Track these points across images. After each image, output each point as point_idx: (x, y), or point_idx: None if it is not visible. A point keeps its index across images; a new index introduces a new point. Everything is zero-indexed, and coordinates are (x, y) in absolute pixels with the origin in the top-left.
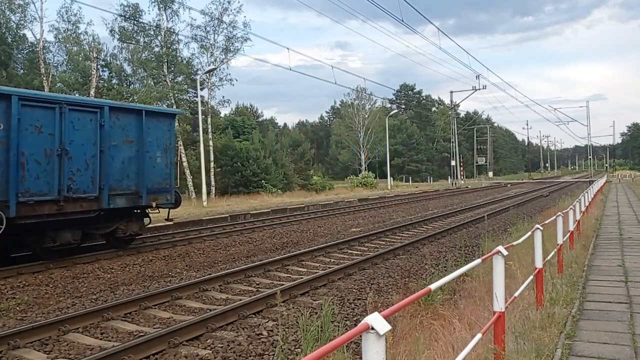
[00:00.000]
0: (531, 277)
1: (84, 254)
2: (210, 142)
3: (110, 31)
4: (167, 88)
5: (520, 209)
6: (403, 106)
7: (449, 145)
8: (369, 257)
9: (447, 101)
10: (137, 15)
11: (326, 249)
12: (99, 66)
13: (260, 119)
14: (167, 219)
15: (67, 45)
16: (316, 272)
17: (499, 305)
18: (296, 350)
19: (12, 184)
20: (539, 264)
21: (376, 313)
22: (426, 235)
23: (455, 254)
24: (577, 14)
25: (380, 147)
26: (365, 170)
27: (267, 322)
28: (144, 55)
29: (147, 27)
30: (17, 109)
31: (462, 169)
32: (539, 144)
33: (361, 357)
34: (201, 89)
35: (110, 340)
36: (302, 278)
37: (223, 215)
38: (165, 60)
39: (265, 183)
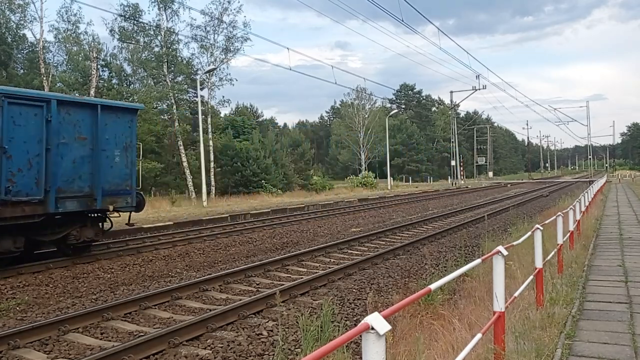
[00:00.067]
0: (531, 277)
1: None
2: (210, 142)
3: (110, 31)
4: (167, 88)
5: (520, 209)
6: (403, 106)
7: (449, 145)
8: (369, 257)
9: (447, 101)
10: (137, 15)
11: (326, 249)
12: (99, 66)
13: (260, 119)
14: (128, 224)
15: (67, 45)
16: (316, 272)
17: (499, 305)
18: (296, 350)
19: None
20: (539, 264)
21: (376, 313)
22: (426, 235)
23: (455, 254)
24: (577, 14)
25: (380, 147)
26: (365, 170)
27: (267, 322)
28: (144, 55)
29: (147, 27)
30: None
31: (462, 169)
32: (539, 144)
33: (361, 357)
34: (201, 89)
35: (110, 340)
36: (302, 278)
37: (223, 215)
38: (165, 60)
39: (265, 183)
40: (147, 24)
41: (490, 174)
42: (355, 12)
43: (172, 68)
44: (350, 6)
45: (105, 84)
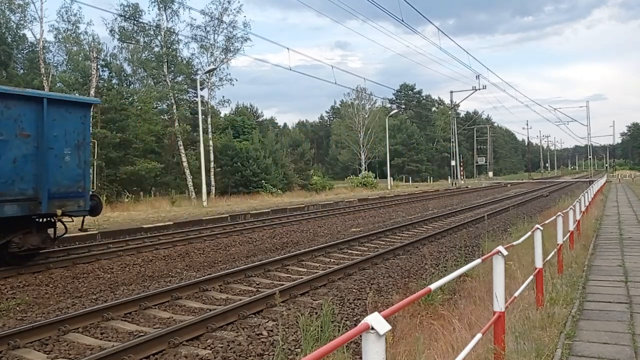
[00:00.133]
0: (531, 277)
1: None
2: (210, 142)
3: (110, 31)
4: (167, 88)
5: (520, 209)
6: (403, 106)
7: (449, 145)
8: (369, 257)
9: (447, 101)
10: (137, 15)
11: (326, 249)
12: (99, 66)
13: (260, 119)
14: (81, 229)
15: (67, 45)
16: (316, 272)
17: (499, 305)
18: (296, 350)
19: None
20: (539, 264)
21: (376, 313)
22: (426, 235)
23: (455, 254)
24: (577, 14)
25: (380, 147)
26: (365, 170)
27: (267, 322)
28: (144, 55)
29: (147, 27)
30: None
31: (462, 169)
32: (539, 144)
33: (361, 357)
34: (201, 89)
35: (110, 340)
36: (302, 278)
37: (223, 215)
38: (165, 60)
39: (265, 183)
40: (147, 24)
41: (490, 174)
42: (355, 12)
43: (172, 68)
44: (350, 6)
45: (105, 84)
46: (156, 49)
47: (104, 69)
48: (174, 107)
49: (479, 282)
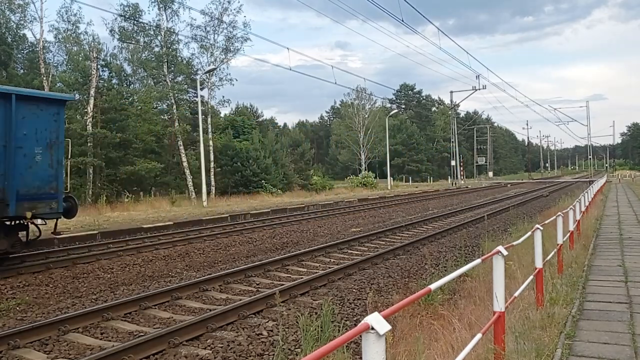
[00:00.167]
0: (531, 277)
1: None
2: (210, 142)
3: (110, 31)
4: (167, 88)
5: (520, 209)
6: (403, 106)
7: (449, 145)
8: (369, 257)
9: (447, 101)
10: (137, 15)
11: (326, 249)
12: (99, 66)
13: (260, 119)
14: (54, 232)
15: (67, 45)
16: (316, 272)
17: (499, 305)
18: (296, 350)
19: None
20: (539, 264)
21: (376, 313)
22: (426, 235)
23: (455, 254)
24: (577, 14)
25: (380, 147)
26: (365, 170)
27: (267, 322)
28: (144, 55)
29: (147, 27)
30: None
31: (462, 169)
32: (539, 144)
33: (361, 357)
34: (201, 89)
35: (110, 340)
36: (302, 278)
37: (223, 215)
38: (165, 60)
39: (265, 183)
40: (147, 24)
41: (490, 174)
42: (355, 12)
43: (172, 68)
44: (350, 6)
45: (105, 84)
46: (156, 49)
47: (104, 69)
48: (174, 107)
49: (479, 282)
